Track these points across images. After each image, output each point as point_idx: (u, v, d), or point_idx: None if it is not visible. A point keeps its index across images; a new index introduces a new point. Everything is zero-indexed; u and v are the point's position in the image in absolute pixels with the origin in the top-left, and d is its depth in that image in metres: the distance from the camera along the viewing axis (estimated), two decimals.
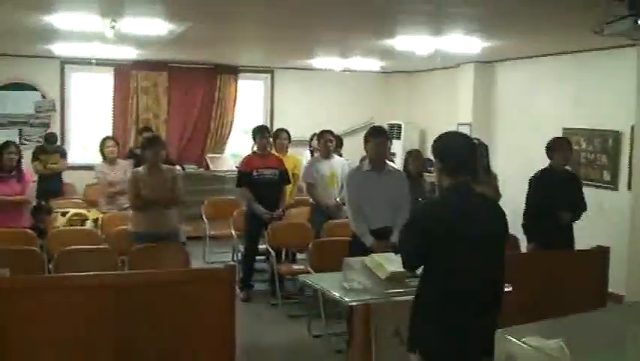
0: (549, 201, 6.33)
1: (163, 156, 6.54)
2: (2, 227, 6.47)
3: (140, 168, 6.46)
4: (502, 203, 6.64)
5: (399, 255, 4.56)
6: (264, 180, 7.54)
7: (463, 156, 3.57)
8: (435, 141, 3.67)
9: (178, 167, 7.67)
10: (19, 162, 6.83)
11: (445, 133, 3.80)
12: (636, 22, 4.85)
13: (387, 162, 6.06)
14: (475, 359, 3.33)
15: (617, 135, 7.81)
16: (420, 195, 6.89)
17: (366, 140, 5.80)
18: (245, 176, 7.60)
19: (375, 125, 7.71)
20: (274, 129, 9.08)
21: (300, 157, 9.30)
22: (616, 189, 7.84)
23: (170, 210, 6.37)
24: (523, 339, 2.62)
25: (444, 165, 3.56)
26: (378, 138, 5.78)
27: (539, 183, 6.48)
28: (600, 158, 8.08)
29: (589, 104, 8.27)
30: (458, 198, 3.50)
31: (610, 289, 5.93)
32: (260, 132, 7.77)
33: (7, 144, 6.94)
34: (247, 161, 7.76)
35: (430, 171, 7.78)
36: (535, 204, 6.44)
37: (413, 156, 7.44)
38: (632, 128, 7.01)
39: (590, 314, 3.38)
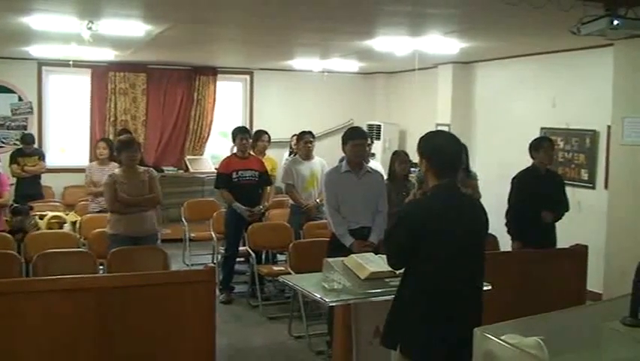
0: (531, 200, 6.36)
1: (139, 158, 6.47)
2: None
3: (116, 171, 6.39)
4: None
5: (378, 255, 4.61)
6: (244, 182, 7.53)
7: (451, 156, 3.55)
8: (424, 140, 3.60)
9: (152, 170, 7.62)
10: None
11: (434, 132, 3.78)
12: (612, 22, 4.92)
13: (365, 163, 6.06)
14: (458, 357, 3.34)
15: (594, 135, 7.89)
16: (405, 196, 6.90)
17: (344, 141, 5.79)
18: (224, 178, 7.58)
19: (354, 126, 7.73)
20: (254, 131, 9.07)
21: (276, 159, 9.34)
22: (593, 187, 7.92)
23: (148, 212, 6.33)
24: (502, 337, 2.63)
25: (432, 165, 3.51)
26: (356, 139, 5.77)
27: (521, 183, 6.51)
28: (578, 157, 8.16)
29: (566, 103, 8.34)
30: (444, 198, 3.49)
31: (588, 288, 5.98)
32: (240, 133, 7.74)
33: None
34: (227, 163, 7.73)
35: (410, 172, 7.81)
36: (518, 204, 6.47)
37: (400, 158, 7.42)
38: (609, 127, 7.08)
39: (569, 312, 3.40)
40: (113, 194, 6.16)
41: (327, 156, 8.40)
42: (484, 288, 3.72)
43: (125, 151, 6.30)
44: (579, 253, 5.89)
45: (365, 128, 10.48)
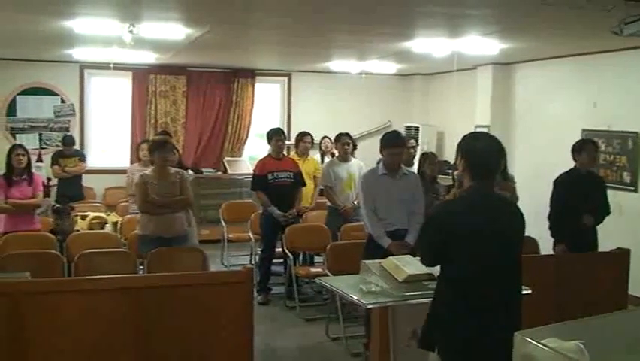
0: (573, 203, 6.27)
1: (172, 159, 6.47)
2: (15, 231, 6.54)
3: (148, 171, 6.39)
4: (520, 205, 6.65)
5: (416, 257, 4.59)
6: (279, 183, 7.56)
7: (491, 160, 3.50)
8: (464, 140, 3.57)
9: (190, 171, 7.67)
10: (28, 165, 6.88)
11: (475, 133, 3.74)
12: None
13: (402, 166, 6.04)
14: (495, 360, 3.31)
15: (636, 137, 7.75)
16: (435, 198, 6.87)
17: (382, 147, 5.80)
18: (260, 180, 7.61)
19: (392, 131, 7.70)
20: (297, 132, 9.07)
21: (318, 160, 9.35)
22: (636, 190, 7.78)
23: (179, 214, 6.29)
24: (542, 341, 2.61)
25: (468, 165, 3.47)
26: (393, 148, 5.75)
27: (563, 185, 6.42)
28: (619, 159, 8.03)
29: (608, 105, 8.21)
30: (476, 200, 3.46)
31: (630, 292, 5.89)
32: (275, 135, 7.77)
33: (15, 146, 7.01)
34: (262, 164, 7.76)
35: (447, 173, 7.76)
36: (560, 206, 6.38)
37: (429, 159, 7.39)
38: None
39: (610, 316, 3.35)
40: (144, 194, 6.16)
41: (364, 158, 8.40)
42: (523, 292, 3.68)
43: (158, 151, 6.28)
44: (621, 256, 5.81)
45: (403, 130, 10.47)
